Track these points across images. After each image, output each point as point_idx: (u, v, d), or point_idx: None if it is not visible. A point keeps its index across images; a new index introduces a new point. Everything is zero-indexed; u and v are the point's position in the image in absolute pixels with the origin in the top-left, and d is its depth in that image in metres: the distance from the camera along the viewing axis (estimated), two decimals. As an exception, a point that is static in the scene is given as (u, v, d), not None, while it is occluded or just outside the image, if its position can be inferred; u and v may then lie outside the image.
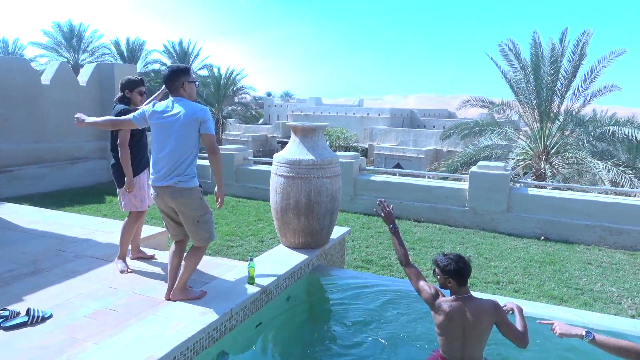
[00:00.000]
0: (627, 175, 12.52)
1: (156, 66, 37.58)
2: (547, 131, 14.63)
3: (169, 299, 3.42)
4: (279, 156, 4.55)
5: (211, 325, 3.05)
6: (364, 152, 27.45)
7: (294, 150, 4.48)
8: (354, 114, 33.86)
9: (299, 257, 4.33)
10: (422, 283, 3.02)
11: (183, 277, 3.36)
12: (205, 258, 4.69)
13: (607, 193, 8.59)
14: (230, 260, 4.88)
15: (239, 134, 34.81)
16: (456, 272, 2.81)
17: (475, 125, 16.34)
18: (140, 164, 4.14)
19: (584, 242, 7.22)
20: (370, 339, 3.61)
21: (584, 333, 2.35)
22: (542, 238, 7.46)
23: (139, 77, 4.31)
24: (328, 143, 22.53)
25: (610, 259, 6.48)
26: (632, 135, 13.94)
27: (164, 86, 3.57)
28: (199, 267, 4.17)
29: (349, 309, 4.03)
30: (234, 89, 38.64)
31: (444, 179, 10.17)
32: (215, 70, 37.31)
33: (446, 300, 2.88)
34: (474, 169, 8.16)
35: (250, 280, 3.64)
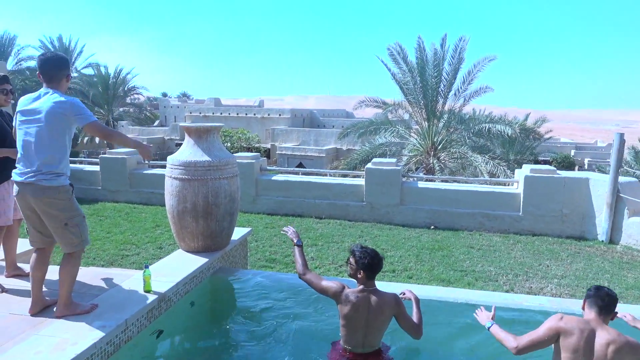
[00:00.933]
0: (501, 167, 14.09)
1: (32, 63, 33.87)
2: (434, 129, 15.88)
3: (34, 315, 3.14)
4: (172, 158, 4.39)
5: (103, 339, 2.86)
6: (267, 153, 27.44)
7: (188, 151, 4.36)
8: (254, 114, 33.65)
9: (198, 261, 4.22)
10: (324, 282, 3.15)
11: (63, 290, 3.09)
12: (95, 270, 4.39)
13: (486, 183, 9.58)
14: (124, 270, 4.61)
15: (132, 136, 32.74)
16: (369, 266, 2.96)
17: (370, 124, 17.17)
18: (2, 172, 3.66)
19: (467, 228, 7.99)
20: (274, 335, 3.65)
21: (490, 323, 2.88)
22: (432, 227, 8.09)
23: (2, 74, 3.85)
24: (229, 144, 22.06)
25: (489, 242, 7.25)
26: (504, 131, 15.70)
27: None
28: (87, 280, 3.90)
29: (253, 308, 4.03)
30: (125, 88, 36.26)
31: (344, 176, 10.57)
32: (103, 69, 34.67)
33: (353, 291, 3.00)
34: (369, 165, 8.60)
35: (147, 287, 3.48)
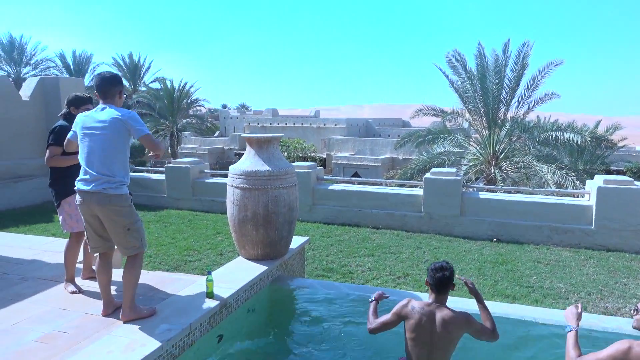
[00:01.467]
0: (570, 177, 13.27)
1: (106, 79, 36.37)
2: (495, 137, 15.29)
3: (106, 316, 3.35)
4: (234, 168, 4.53)
5: (170, 342, 2.98)
6: (322, 162, 27.64)
7: (249, 161, 4.47)
8: (310, 124, 34.06)
9: (258, 269, 4.30)
10: (391, 313, 2.98)
11: (127, 293, 3.24)
12: (161, 274, 4.59)
13: (553, 194, 9.06)
14: (188, 275, 4.78)
15: (194, 147, 34.19)
16: (436, 280, 2.86)
17: (428, 133, 16.83)
18: (74, 182, 3.93)
19: (533, 241, 7.58)
20: (333, 347, 3.63)
21: (573, 325, 2.65)
22: (495, 240, 7.76)
23: (87, 95, 4.16)
24: (286, 154, 22.46)
25: (558, 257, 6.83)
26: (572, 140, 14.81)
27: None
28: (154, 283, 4.08)
29: (311, 317, 4.04)
30: (188, 101, 38.04)
31: (401, 185, 10.41)
32: (168, 83, 36.59)
33: (420, 303, 2.91)
34: (427, 175, 8.41)
35: (209, 294, 3.59)
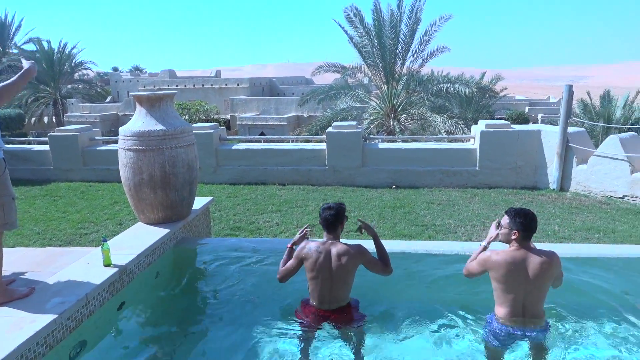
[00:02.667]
0: (459, 125, 14.42)
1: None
2: (393, 91, 15.95)
3: None
4: (125, 129, 4.24)
5: (64, 315, 2.80)
6: (227, 124, 26.92)
7: (141, 121, 4.21)
8: (211, 85, 32.72)
9: (159, 232, 4.16)
10: (289, 264, 3.14)
11: None
12: (51, 249, 4.28)
13: (444, 141, 9.78)
14: (84, 249, 4.50)
15: (84, 114, 31.27)
16: (324, 220, 3.08)
17: (330, 89, 17.06)
18: None
19: (427, 185, 8.19)
20: (241, 299, 3.68)
21: (484, 243, 3.08)
22: (393, 186, 8.26)
23: None
24: (187, 117, 21.44)
25: (448, 197, 7.48)
26: (461, 91, 15.99)
27: None
28: (43, 259, 3.79)
29: (220, 274, 4.04)
30: (72, 64, 34.32)
31: (307, 141, 10.54)
32: (45, 44, 32.58)
33: (315, 243, 3.06)
34: (330, 129, 8.60)
35: (107, 262, 3.41)
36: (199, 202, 4.98)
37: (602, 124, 13.65)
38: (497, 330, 2.84)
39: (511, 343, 2.82)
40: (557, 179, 7.75)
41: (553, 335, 2.90)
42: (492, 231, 3.05)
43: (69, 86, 35.42)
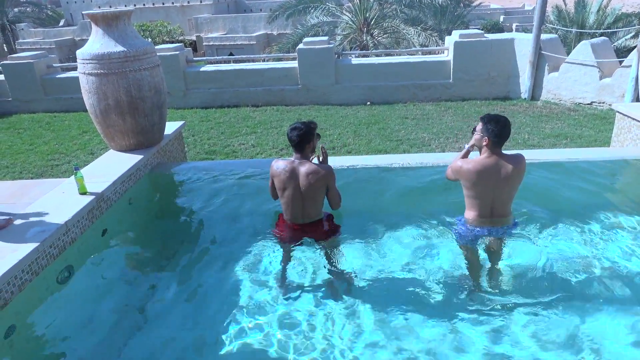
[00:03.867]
0: (433, 38, 14.07)
1: None
2: (365, 4, 15.25)
3: None
4: (83, 52, 4.00)
5: (45, 243, 2.82)
6: (193, 45, 25.60)
7: (99, 43, 3.97)
8: (172, 3, 30.58)
9: (133, 158, 4.10)
10: (269, 186, 3.18)
11: None
12: (23, 182, 4.21)
13: (418, 54, 9.60)
14: (55, 179, 4.43)
15: (37, 40, 29.13)
16: (290, 140, 3.02)
17: (299, 3, 16.16)
18: None
19: (401, 100, 8.16)
20: (221, 216, 3.76)
21: (466, 146, 3.13)
22: (368, 103, 8.20)
23: None
24: (150, 40, 20.20)
25: (422, 111, 7.50)
26: (436, 1, 15.39)
27: None
28: (15, 191, 3.74)
29: (197, 196, 4.07)
30: (16, -16, 31.32)
31: (279, 60, 10.19)
32: (-19, -39, 29.34)
33: (284, 162, 3.06)
34: (300, 46, 8.29)
35: (82, 190, 3.38)
36: (170, 127, 4.87)
37: (575, 30, 13.51)
38: (463, 232, 3.02)
39: (477, 240, 3.00)
40: (529, 88, 7.81)
41: (520, 231, 3.09)
42: (472, 140, 3.14)
43: (16, 10, 32.58)
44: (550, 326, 2.46)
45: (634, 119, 4.40)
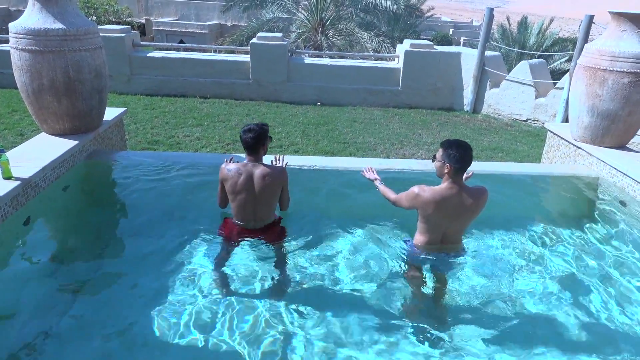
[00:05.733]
0: (385, 44, 14.38)
1: None
2: (322, 4, 15.31)
3: None
4: (16, 26, 3.72)
5: (-40, 230, 2.60)
6: (141, 29, 24.55)
7: (35, 17, 3.71)
8: (122, -18, 29.15)
9: (67, 144, 3.87)
10: (218, 191, 3.06)
11: None
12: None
13: (371, 59, 9.77)
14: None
15: (-34, 7, 26.79)
16: (244, 143, 2.92)
17: (255, -4, 15.97)
18: None
19: (351, 103, 8.27)
20: (160, 212, 3.64)
21: (377, 184, 3.11)
22: (318, 103, 8.24)
23: None
24: (94, 18, 19.02)
25: (370, 116, 7.65)
26: (389, 8, 15.74)
27: None
28: None
29: (135, 187, 3.91)
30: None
31: (231, 52, 10.01)
32: None
33: (236, 164, 2.95)
34: (254, 40, 8.19)
35: (6, 174, 3.14)
36: (111, 113, 4.65)
37: (517, 50, 14.33)
38: (412, 255, 2.93)
39: (425, 263, 2.92)
40: (471, 101, 8.17)
41: (467, 257, 3.02)
42: (370, 176, 3.21)
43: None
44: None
45: (562, 138, 4.73)
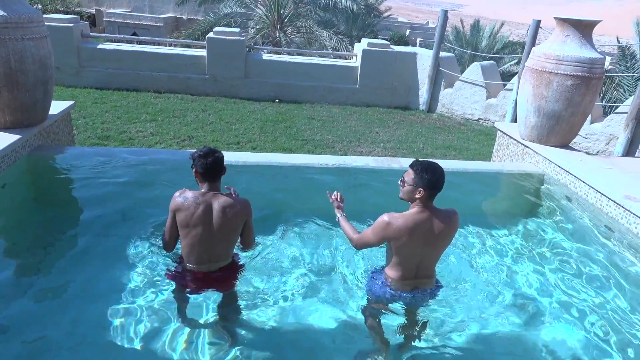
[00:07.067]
0: (344, 42, 14.49)
1: None
2: (281, 1, 15.23)
3: None
4: (-49, 11, 3.47)
5: None
6: (91, 19, 23.53)
7: (-28, 2, 3.47)
8: (71, -30, 27.83)
9: (9, 138, 3.64)
10: (167, 222, 2.56)
11: None
12: None
13: (329, 57, 9.80)
14: None
15: None
16: (209, 167, 2.47)
17: (213, -11, 15.67)
18: None
19: (310, 101, 8.28)
20: (107, 212, 3.48)
21: (338, 215, 2.70)
22: (277, 100, 8.20)
23: None
24: (40, 7, 18.09)
25: (328, 113, 7.69)
26: (348, 7, 15.88)
27: None
28: None
29: (83, 186, 3.75)
30: None
31: (187, 47, 9.77)
32: None
33: (193, 193, 2.49)
34: (210, 35, 8.04)
35: (-61, 170, 2.93)
36: (57, 107, 4.42)
37: (470, 52, 14.82)
38: (382, 293, 2.56)
39: (395, 302, 2.58)
40: (426, 101, 8.38)
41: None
42: (334, 203, 2.77)
43: None
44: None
45: (511, 137, 4.94)
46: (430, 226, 2.39)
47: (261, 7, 16.11)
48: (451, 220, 2.44)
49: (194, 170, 2.51)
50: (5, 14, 3.51)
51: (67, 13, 19.67)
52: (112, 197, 3.64)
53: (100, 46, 8.02)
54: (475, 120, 8.00)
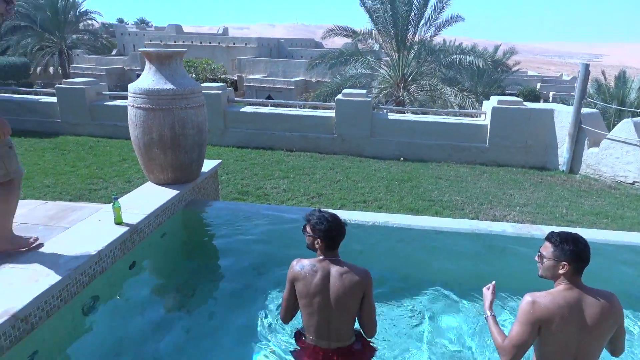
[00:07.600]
0: (470, 99, 14.20)
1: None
2: (404, 60, 15.63)
3: None
4: (134, 86, 4.17)
5: (77, 270, 2.84)
6: (234, 84, 26.58)
7: (150, 79, 4.14)
8: (219, 43, 32.09)
9: (169, 193, 4.16)
10: (285, 293, 2.52)
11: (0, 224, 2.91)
12: (63, 204, 4.28)
13: (455, 115, 9.66)
14: (94, 204, 4.51)
15: (89, 66, 30.86)
16: (328, 232, 2.39)
17: (340, 54, 16.71)
18: None
19: (436, 159, 8.14)
20: (248, 265, 3.73)
21: (488, 313, 2.33)
22: (401, 159, 8.21)
23: None
24: (194, 76, 21.03)
25: (456, 173, 7.45)
26: (474, 64, 15.64)
27: None
28: (55, 213, 3.82)
29: (227, 239, 4.08)
30: (77, 13, 33.57)
31: (315, 108, 10.42)
32: (50, -9, 31.71)
33: (309, 261, 2.44)
34: (339, 97, 8.48)
35: (118, 220, 3.42)
36: (207, 165, 4.96)
37: (615, 106, 13.45)
38: None
39: None
40: (568, 161, 7.68)
41: None
42: (487, 295, 2.38)
43: (74, 36, 34.75)
44: None
45: (681, 205, 4.23)
46: (584, 307, 2.02)
47: (384, 67, 16.69)
48: (609, 301, 2.05)
49: (307, 235, 2.45)
50: (174, 87, 4.11)
51: (214, 80, 22.53)
52: (249, 251, 3.89)
53: (242, 110, 8.93)
54: (630, 183, 7.08)
